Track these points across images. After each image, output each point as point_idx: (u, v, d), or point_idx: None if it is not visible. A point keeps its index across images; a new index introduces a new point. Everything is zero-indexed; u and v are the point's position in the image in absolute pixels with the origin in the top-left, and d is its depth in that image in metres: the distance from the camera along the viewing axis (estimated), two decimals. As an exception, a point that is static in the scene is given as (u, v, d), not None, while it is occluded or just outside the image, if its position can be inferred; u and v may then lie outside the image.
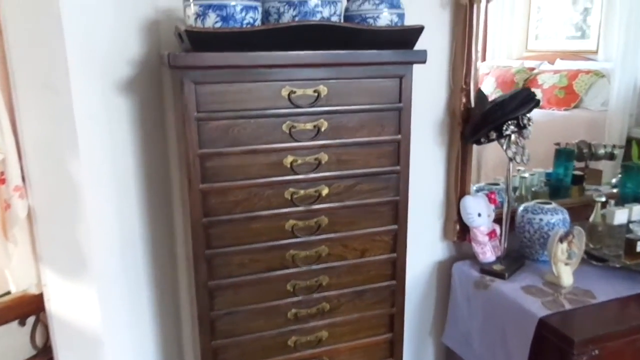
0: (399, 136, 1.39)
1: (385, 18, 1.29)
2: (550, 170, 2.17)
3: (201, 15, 1.17)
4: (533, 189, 2.14)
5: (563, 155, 2.17)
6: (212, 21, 1.17)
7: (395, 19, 1.30)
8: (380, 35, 1.27)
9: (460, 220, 1.83)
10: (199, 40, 1.16)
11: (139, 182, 1.52)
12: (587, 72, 2.53)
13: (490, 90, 2.63)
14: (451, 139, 1.82)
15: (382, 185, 1.41)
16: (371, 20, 1.28)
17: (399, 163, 1.41)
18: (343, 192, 1.37)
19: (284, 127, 1.28)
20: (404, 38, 1.29)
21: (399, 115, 1.37)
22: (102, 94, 1.38)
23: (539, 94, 2.46)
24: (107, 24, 1.36)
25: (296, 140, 1.29)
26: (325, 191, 1.35)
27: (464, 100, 1.74)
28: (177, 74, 1.22)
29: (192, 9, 1.18)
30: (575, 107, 2.51)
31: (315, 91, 1.28)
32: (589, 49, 2.67)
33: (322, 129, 1.31)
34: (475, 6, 1.65)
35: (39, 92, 1.25)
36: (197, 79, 1.19)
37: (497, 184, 2.08)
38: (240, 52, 1.18)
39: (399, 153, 1.40)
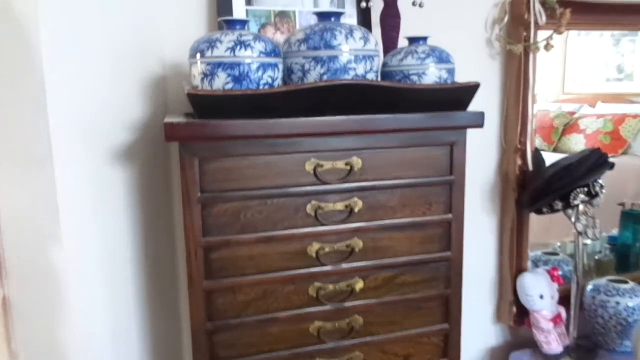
0: (450, 215, 1.16)
1: (432, 74, 1.07)
2: (612, 232, 1.93)
3: (209, 75, 0.97)
4: (596, 257, 1.90)
5: (630, 218, 1.92)
6: (221, 82, 0.97)
7: (445, 75, 1.08)
8: (426, 95, 1.05)
9: (517, 300, 1.60)
10: (205, 105, 0.96)
11: (137, 272, 1.30)
12: (635, 116, 2.35)
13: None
14: (504, 206, 1.59)
15: (429, 275, 1.17)
16: (415, 78, 1.07)
17: (449, 248, 1.17)
18: (381, 286, 1.15)
19: (309, 209, 1.07)
20: (455, 98, 1.07)
21: (449, 190, 1.15)
22: (93, 165, 1.20)
23: (581, 140, 2.32)
24: (102, 81, 1.19)
25: (323, 224, 1.09)
26: (359, 285, 1.13)
27: (519, 162, 1.52)
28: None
29: (199, 68, 0.98)
30: (624, 153, 2.31)
31: (347, 164, 1.07)
32: (633, 91, 2.50)
33: (356, 210, 1.09)
34: (531, 56, 1.43)
35: (15, 163, 1.07)
36: (202, 153, 0.99)
37: (556, 254, 1.80)
38: (255, 120, 0.98)
39: (450, 236, 1.17)
